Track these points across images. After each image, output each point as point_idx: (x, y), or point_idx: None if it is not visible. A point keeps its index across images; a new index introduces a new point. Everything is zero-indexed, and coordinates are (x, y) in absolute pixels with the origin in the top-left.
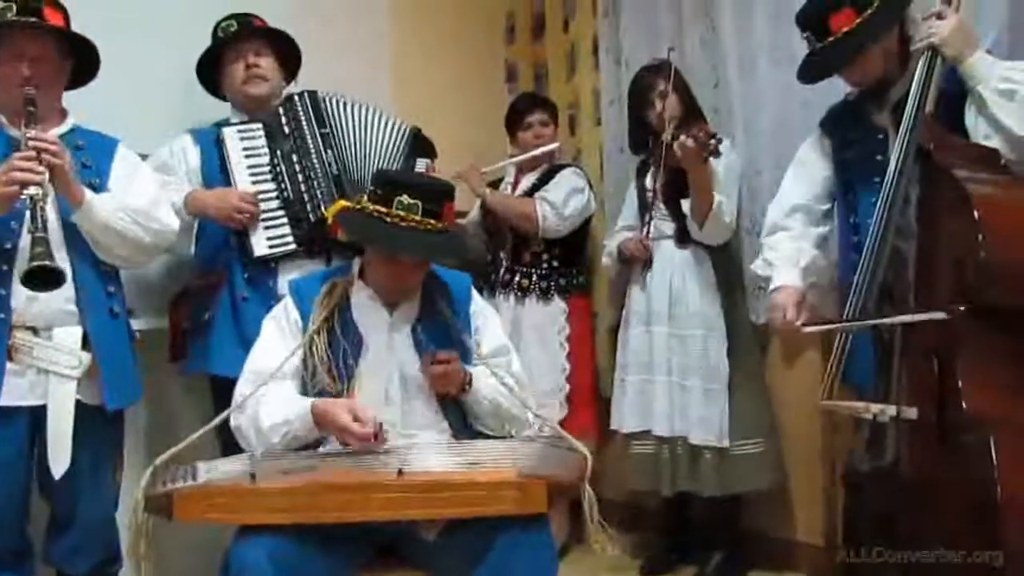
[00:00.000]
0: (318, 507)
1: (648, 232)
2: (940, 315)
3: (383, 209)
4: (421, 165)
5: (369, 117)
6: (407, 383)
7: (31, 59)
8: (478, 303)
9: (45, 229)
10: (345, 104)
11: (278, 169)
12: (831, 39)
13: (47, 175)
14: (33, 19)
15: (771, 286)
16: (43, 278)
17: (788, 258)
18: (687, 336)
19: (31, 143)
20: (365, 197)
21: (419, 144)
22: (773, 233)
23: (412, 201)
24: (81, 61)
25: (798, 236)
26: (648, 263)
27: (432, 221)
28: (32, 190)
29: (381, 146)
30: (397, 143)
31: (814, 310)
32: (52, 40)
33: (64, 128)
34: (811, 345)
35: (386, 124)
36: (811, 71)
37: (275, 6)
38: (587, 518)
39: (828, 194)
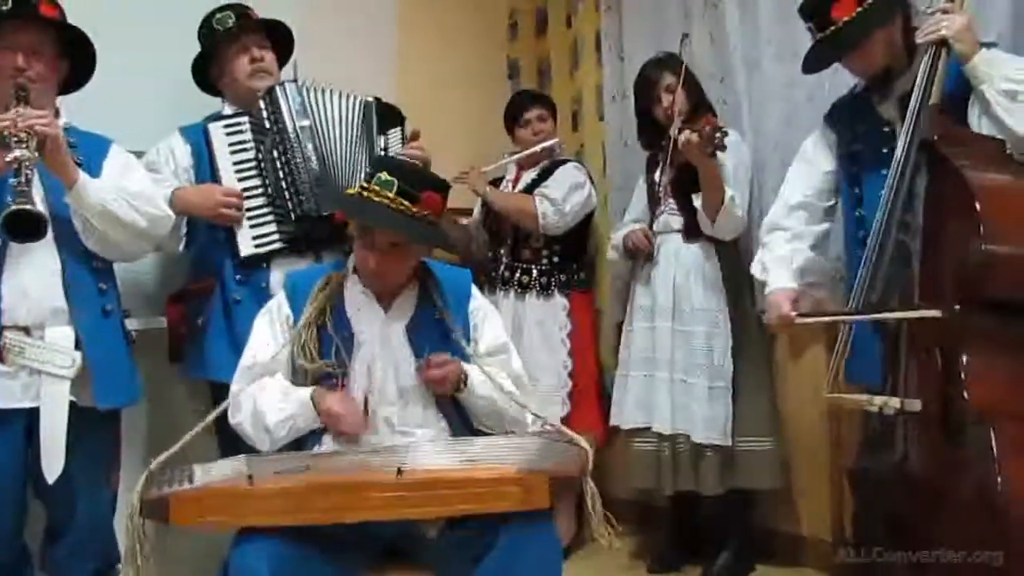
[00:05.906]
0: (317, 508)
1: (653, 224)
2: (935, 313)
3: (365, 185)
4: (395, 137)
5: (345, 103)
6: (402, 382)
7: (26, 52)
8: (478, 300)
9: (28, 185)
10: (328, 93)
11: (263, 164)
12: (833, 28)
13: (34, 141)
14: (28, 11)
15: (766, 289)
16: (24, 227)
17: (781, 260)
18: (691, 332)
19: (18, 117)
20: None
21: (383, 114)
22: (771, 232)
23: (389, 178)
24: (76, 62)
25: (794, 236)
26: (650, 256)
27: (406, 202)
28: (19, 152)
29: (353, 129)
30: (358, 121)
31: (818, 305)
32: (47, 35)
33: None
34: (816, 341)
35: (352, 105)
36: (814, 60)
37: (279, 1)
38: (589, 512)
39: (831, 190)
